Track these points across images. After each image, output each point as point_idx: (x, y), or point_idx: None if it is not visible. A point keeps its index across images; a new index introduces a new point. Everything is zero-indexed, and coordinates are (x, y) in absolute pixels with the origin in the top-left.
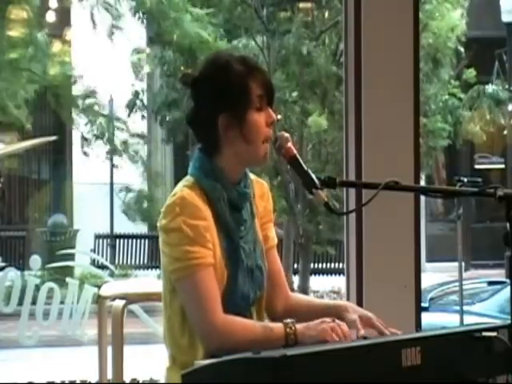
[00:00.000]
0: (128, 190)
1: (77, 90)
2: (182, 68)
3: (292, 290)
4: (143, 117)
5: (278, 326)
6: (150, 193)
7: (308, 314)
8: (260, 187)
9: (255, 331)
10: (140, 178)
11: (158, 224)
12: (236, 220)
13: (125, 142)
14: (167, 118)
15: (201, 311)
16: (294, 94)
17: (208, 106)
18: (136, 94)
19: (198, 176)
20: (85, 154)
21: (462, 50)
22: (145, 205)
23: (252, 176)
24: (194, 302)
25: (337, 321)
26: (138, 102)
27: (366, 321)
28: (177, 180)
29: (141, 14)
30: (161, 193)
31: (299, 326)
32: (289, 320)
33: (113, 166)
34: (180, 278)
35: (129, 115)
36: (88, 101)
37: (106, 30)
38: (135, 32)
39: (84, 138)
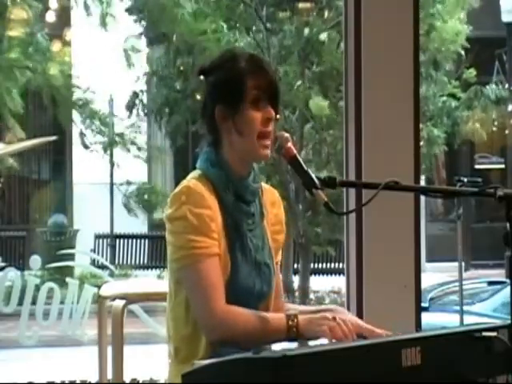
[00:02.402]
0: (129, 183)
1: (76, 89)
2: (181, 68)
3: (293, 291)
4: (144, 116)
5: (280, 318)
6: (150, 185)
7: None
8: (271, 194)
9: (256, 322)
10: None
11: (164, 214)
12: (243, 211)
13: (121, 134)
14: (167, 120)
15: (203, 300)
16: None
17: (209, 96)
18: (135, 95)
19: (205, 167)
20: (85, 146)
21: (463, 52)
22: (145, 196)
23: (264, 185)
24: (197, 291)
25: (337, 318)
26: (137, 101)
27: (354, 326)
28: (177, 183)
29: (138, 12)
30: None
31: (301, 319)
32: (291, 312)
33: (112, 161)
34: (183, 266)
35: (129, 117)
36: (86, 98)
37: (99, 21)
38: (132, 28)
39: (82, 134)
